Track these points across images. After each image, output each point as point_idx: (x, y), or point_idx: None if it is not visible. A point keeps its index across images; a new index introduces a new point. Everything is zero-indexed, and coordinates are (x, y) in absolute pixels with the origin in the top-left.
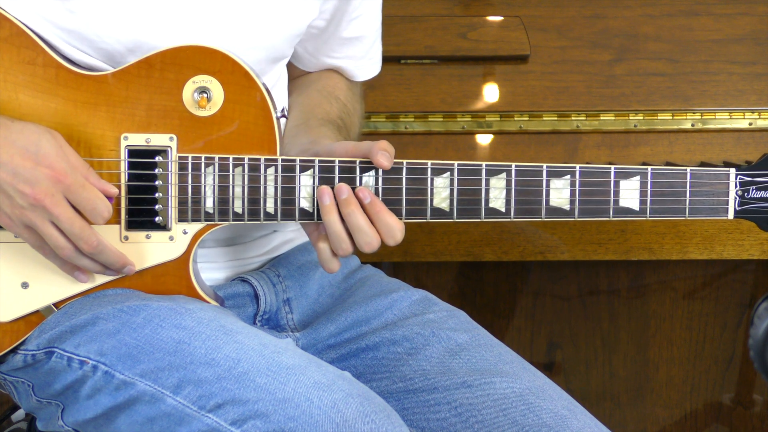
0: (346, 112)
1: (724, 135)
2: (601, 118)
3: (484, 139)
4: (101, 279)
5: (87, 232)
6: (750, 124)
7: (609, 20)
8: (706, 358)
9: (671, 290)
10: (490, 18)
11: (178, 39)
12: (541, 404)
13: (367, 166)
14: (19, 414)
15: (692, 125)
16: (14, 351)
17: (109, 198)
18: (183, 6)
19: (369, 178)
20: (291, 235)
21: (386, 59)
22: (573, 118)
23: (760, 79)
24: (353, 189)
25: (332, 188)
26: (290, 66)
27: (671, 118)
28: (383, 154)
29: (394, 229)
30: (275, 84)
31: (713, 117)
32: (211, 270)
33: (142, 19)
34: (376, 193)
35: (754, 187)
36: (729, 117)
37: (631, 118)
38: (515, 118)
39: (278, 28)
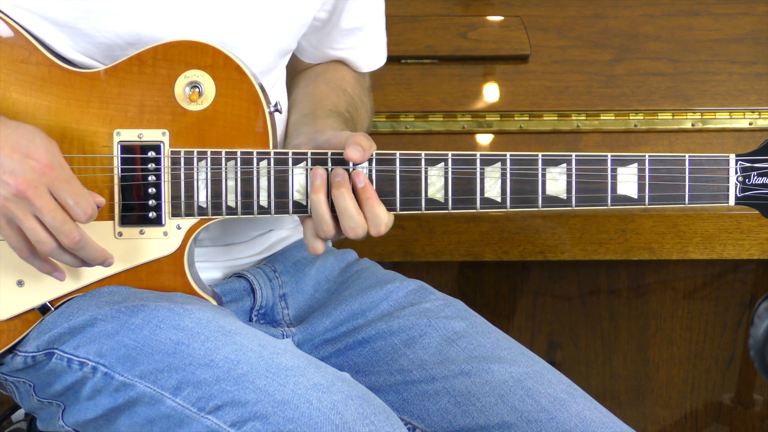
0: (353, 105)
1: (724, 135)
2: (602, 117)
3: (484, 139)
4: (89, 278)
5: (69, 226)
6: (750, 123)
7: (609, 20)
8: (706, 358)
9: (671, 290)
10: (491, 18)
11: (180, 32)
12: (540, 389)
13: None
14: (19, 414)
15: (692, 125)
16: (13, 352)
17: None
18: None
19: (362, 170)
20: (287, 233)
21: (386, 59)
22: (573, 118)
23: (760, 78)
24: (349, 172)
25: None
26: (296, 59)
27: (671, 117)
28: (355, 147)
29: (381, 219)
30: (279, 79)
31: (713, 117)
32: (209, 270)
33: (143, 13)
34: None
35: (755, 173)
36: (729, 117)
37: (631, 117)
38: (515, 118)
39: (286, 20)
